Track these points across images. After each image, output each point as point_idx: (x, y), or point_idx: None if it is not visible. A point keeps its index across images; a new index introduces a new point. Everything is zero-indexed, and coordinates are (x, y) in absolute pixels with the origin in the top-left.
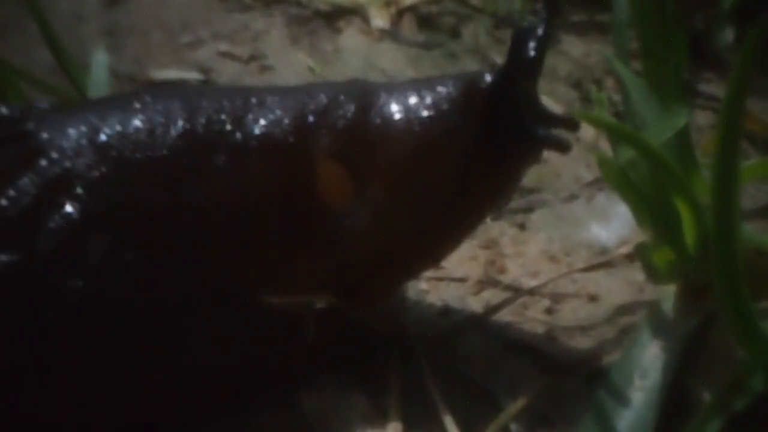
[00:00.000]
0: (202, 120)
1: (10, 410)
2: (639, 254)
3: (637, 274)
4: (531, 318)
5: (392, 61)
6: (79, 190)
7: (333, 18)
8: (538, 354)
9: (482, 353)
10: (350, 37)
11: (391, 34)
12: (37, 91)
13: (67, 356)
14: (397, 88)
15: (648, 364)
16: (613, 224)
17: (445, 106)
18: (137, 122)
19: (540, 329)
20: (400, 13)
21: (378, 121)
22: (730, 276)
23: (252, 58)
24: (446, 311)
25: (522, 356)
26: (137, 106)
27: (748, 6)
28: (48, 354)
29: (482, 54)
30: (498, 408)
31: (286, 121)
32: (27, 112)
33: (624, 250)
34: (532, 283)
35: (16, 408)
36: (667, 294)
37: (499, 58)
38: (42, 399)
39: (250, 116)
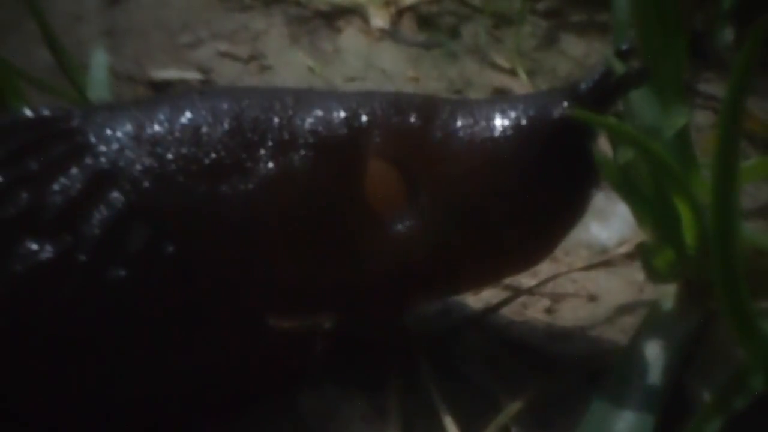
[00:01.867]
0: (250, 116)
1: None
2: (639, 254)
3: (637, 273)
4: (531, 318)
5: (392, 61)
6: (123, 183)
7: (333, 18)
8: (538, 354)
9: (482, 353)
10: (350, 37)
11: (391, 34)
12: (37, 91)
13: (105, 345)
14: (469, 105)
15: (648, 364)
16: (613, 224)
17: (514, 130)
18: (183, 119)
19: (540, 329)
20: (400, 13)
21: (440, 133)
22: (730, 276)
23: (252, 58)
24: (446, 311)
25: (522, 356)
26: (184, 104)
27: (748, 6)
28: (90, 341)
29: (482, 54)
30: (498, 408)
31: (337, 118)
32: (72, 111)
33: (624, 249)
34: (532, 282)
35: (47, 391)
36: (667, 294)
37: (498, 59)
38: (78, 385)
39: (301, 113)
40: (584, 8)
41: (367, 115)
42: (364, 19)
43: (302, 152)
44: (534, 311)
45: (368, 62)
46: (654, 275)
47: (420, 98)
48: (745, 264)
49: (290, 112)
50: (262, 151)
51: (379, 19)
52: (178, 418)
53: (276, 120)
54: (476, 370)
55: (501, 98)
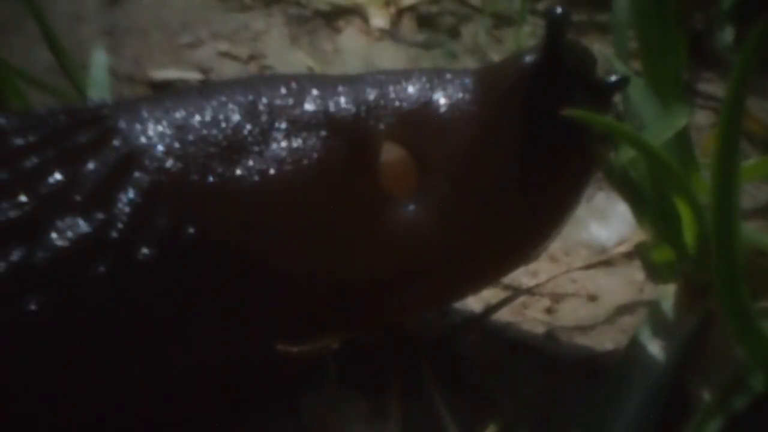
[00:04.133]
0: (265, 99)
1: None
2: (639, 254)
3: (637, 273)
4: (531, 318)
5: (392, 61)
6: (148, 164)
7: (333, 18)
8: (538, 354)
9: (482, 353)
10: (350, 36)
11: (390, 34)
12: (37, 91)
13: (135, 326)
14: (459, 75)
15: (648, 364)
16: (613, 223)
17: (494, 91)
18: (204, 103)
19: (540, 329)
20: (400, 13)
21: (441, 109)
22: (730, 276)
23: (252, 58)
24: (446, 311)
25: (522, 356)
26: (205, 90)
27: (748, 6)
28: (123, 320)
29: (482, 54)
30: (498, 408)
31: (348, 100)
32: (103, 101)
33: (623, 249)
34: (532, 282)
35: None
36: (667, 294)
37: (498, 59)
38: (94, 370)
39: (313, 92)
40: (584, 8)
41: (377, 97)
42: (364, 19)
43: (312, 132)
44: (534, 311)
45: (368, 62)
46: (654, 275)
47: (424, 74)
48: (745, 264)
49: (303, 92)
50: (277, 134)
51: (379, 19)
52: (179, 417)
53: (291, 102)
54: (476, 370)
55: (478, 67)
